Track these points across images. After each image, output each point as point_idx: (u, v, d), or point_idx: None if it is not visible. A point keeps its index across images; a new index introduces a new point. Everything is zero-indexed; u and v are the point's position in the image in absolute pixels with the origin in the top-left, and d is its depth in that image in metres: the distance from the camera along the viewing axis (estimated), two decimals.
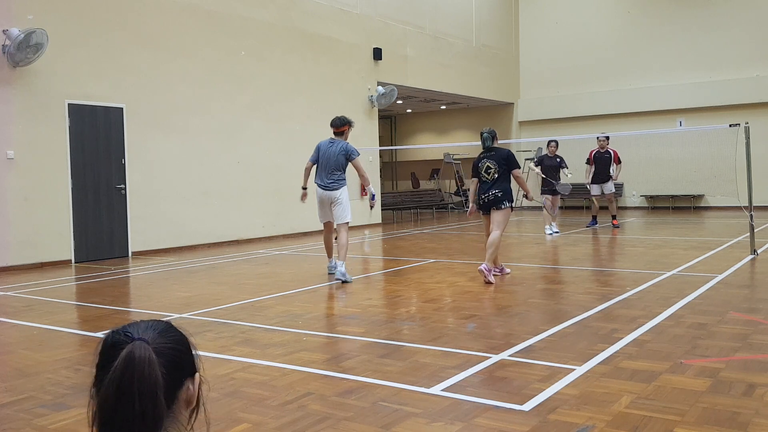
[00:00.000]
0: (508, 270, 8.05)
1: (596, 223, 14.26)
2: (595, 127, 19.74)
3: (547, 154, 13.44)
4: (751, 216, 8.98)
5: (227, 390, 3.84)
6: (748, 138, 8.91)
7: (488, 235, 7.69)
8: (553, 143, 13.40)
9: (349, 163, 7.89)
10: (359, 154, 7.97)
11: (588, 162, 13.95)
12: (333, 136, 8.13)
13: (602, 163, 13.75)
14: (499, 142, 8.20)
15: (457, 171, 22.19)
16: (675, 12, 19.16)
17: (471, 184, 8.00)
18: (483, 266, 7.35)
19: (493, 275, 7.49)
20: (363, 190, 16.29)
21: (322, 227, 8.42)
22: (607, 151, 13.79)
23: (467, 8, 19.76)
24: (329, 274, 8.24)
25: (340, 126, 8.01)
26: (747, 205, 9.09)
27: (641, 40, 19.71)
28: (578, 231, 13.69)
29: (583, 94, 20.60)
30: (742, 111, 17.40)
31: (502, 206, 7.56)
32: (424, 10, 17.99)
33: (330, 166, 7.84)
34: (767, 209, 16.33)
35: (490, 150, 7.77)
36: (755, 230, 9.15)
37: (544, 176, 13.16)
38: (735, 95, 18.15)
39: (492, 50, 20.90)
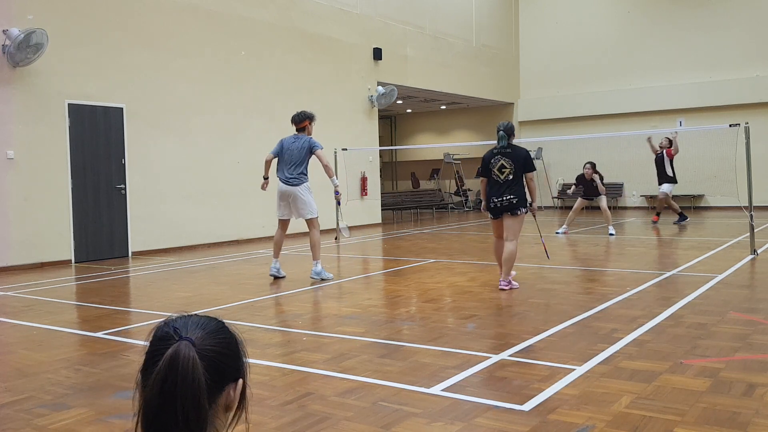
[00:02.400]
0: (516, 284, 7.13)
1: (686, 218, 14.70)
2: (595, 127, 19.75)
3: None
4: (751, 216, 8.98)
5: None
6: (748, 138, 8.91)
7: (499, 237, 7.12)
8: (588, 166, 13.20)
9: (314, 157, 8.08)
10: (322, 147, 8.02)
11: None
12: (296, 132, 8.18)
13: (659, 164, 14.52)
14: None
15: (457, 171, 22.19)
16: (675, 12, 19.16)
17: (480, 183, 7.23)
18: (503, 284, 6.88)
19: (504, 287, 6.91)
20: (363, 189, 16.31)
21: (283, 225, 8.46)
22: (661, 152, 14.39)
23: (467, 8, 19.76)
24: (271, 275, 8.14)
25: (301, 122, 8.09)
26: (747, 205, 9.09)
27: (641, 40, 19.71)
28: (578, 231, 13.69)
29: (583, 94, 20.60)
30: (742, 111, 17.40)
31: (518, 212, 6.87)
32: (424, 10, 17.99)
33: (293, 161, 7.88)
34: (767, 209, 16.33)
35: (506, 147, 6.95)
36: (755, 230, 9.15)
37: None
38: (735, 95, 18.15)
39: (492, 50, 20.90)
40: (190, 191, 12.12)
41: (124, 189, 11.01)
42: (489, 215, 7.17)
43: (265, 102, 13.53)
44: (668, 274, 7.66)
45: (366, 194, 16.38)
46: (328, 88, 15.02)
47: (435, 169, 23.30)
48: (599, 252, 10.57)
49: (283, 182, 7.94)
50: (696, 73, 18.94)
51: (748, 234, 9.20)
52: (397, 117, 24.85)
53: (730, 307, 5.76)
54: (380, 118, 18.25)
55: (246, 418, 1.32)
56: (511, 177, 6.85)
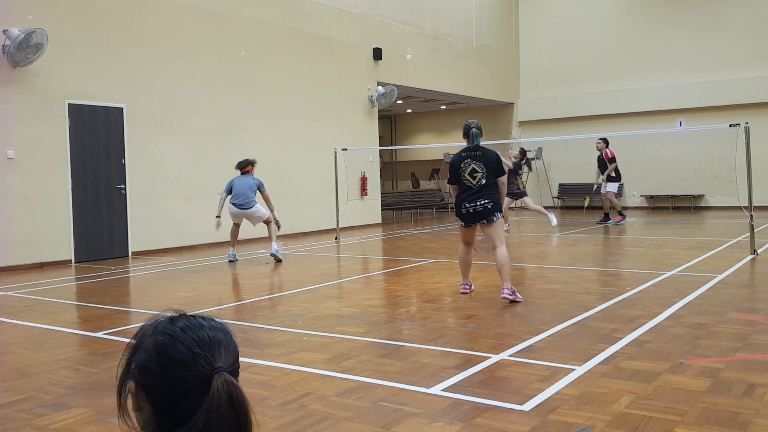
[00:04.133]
0: (520, 297, 6.44)
1: (610, 220, 14.96)
2: (595, 127, 19.75)
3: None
4: (751, 216, 8.98)
5: None
6: (748, 138, 8.91)
7: (467, 244, 6.78)
8: (519, 149, 13.98)
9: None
10: (265, 188, 10.02)
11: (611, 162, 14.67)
12: (241, 174, 10.02)
13: (602, 164, 14.67)
14: (499, 142, 8.01)
15: None
16: (675, 12, 19.16)
17: (451, 190, 6.74)
18: (506, 292, 6.25)
19: (507, 296, 6.29)
20: (363, 189, 16.31)
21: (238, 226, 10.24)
22: (602, 153, 14.57)
23: (467, 8, 19.76)
24: (230, 261, 9.98)
25: (245, 167, 10.03)
26: (747, 205, 9.09)
27: (641, 40, 19.71)
28: (577, 231, 13.69)
29: (583, 94, 20.60)
30: (742, 111, 17.41)
31: (494, 218, 6.45)
32: (424, 10, 17.99)
33: (245, 194, 9.81)
34: (767, 209, 16.33)
35: (476, 150, 6.53)
36: (755, 230, 9.15)
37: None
38: (735, 95, 18.15)
39: (492, 50, 20.90)
40: (190, 191, 12.12)
41: (124, 189, 11.01)
42: (460, 223, 6.65)
43: (265, 102, 13.53)
44: (668, 274, 7.66)
45: (366, 194, 16.38)
46: (328, 88, 15.02)
47: (435, 169, 23.30)
48: (599, 252, 10.57)
49: (237, 206, 9.84)
50: (696, 73, 18.94)
51: (748, 234, 9.20)
52: (397, 117, 24.85)
53: (730, 307, 5.76)
54: (380, 118, 18.25)
55: None
56: (483, 182, 6.44)
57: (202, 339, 1.20)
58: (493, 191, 6.48)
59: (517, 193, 13.49)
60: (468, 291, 6.85)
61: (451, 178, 6.65)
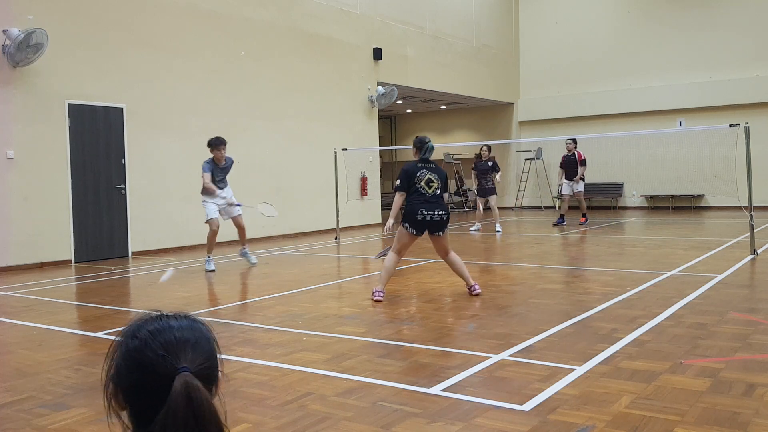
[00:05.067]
0: (478, 289, 6.74)
1: (564, 221, 14.99)
2: (595, 127, 19.75)
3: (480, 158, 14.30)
4: (751, 216, 8.98)
5: (227, 390, 3.84)
6: (748, 138, 8.91)
7: (400, 254, 6.68)
8: (485, 148, 14.16)
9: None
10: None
11: (560, 166, 15.03)
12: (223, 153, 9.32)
13: (570, 165, 14.76)
14: (500, 142, 8.01)
15: (457, 171, 22.20)
16: (675, 12, 19.16)
17: (397, 197, 6.61)
18: (477, 289, 6.63)
19: (479, 290, 6.66)
20: (363, 189, 16.30)
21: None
22: (573, 153, 14.68)
23: (467, 8, 19.76)
24: (210, 270, 9.17)
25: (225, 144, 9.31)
26: (747, 205, 9.09)
27: (641, 40, 19.71)
28: (577, 231, 13.69)
29: (583, 94, 20.60)
30: (742, 111, 17.41)
31: (447, 229, 6.61)
32: (424, 10, 17.99)
33: (224, 176, 9.44)
34: (767, 209, 16.33)
35: (429, 162, 6.68)
36: (755, 230, 9.15)
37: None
38: (735, 95, 18.15)
39: (492, 50, 20.90)
40: (190, 191, 12.08)
41: (124, 189, 11.01)
42: (408, 230, 6.51)
43: (265, 102, 13.53)
44: (668, 274, 7.65)
45: (366, 194, 16.38)
46: (328, 88, 15.02)
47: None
48: (599, 252, 10.57)
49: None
50: (696, 73, 18.94)
51: (748, 234, 9.20)
52: (397, 117, 24.85)
53: (730, 307, 5.76)
54: (380, 118, 18.25)
55: (221, 403, 1.31)
56: (438, 191, 6.57)
57: (168, 341, 1.23)
58: (444, 202, 6.67)
59: (487, 190, 13.85)
60: (382, 298, 6.60)
61: (403, 184, 6.55)
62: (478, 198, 14.48)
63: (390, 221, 6.84)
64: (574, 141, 14.73)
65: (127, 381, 1.22)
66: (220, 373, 1.30)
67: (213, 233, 9.24)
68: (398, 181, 6.62)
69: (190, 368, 1.20)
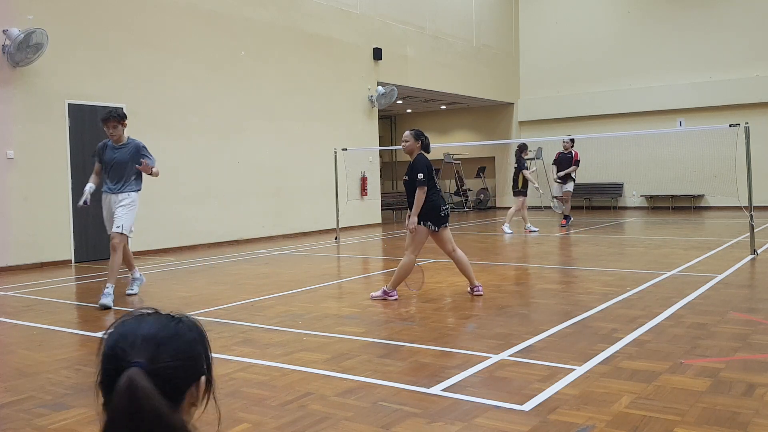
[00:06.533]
0: (481, 290, 6.70)
1: (570, 219, 14.90)
2: (596, 127, 19.76)
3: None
4: (751, 216, 8.98)
5: (227, 390, 3.84)
6: (748, 138, 8.91)
7: (415, 254, 6.58)
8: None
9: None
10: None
11: (553, 162, 14.85)
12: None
13: (564, 163, 14.54)
14: (500, 142, 8.02)
15: (457, 171, 22.19)
16: (675, 12, 19.16)
17: (421, 193, 6.35)
18: (480, 289, 6.65)
19: (481, 292, 6.65)
20: (363, 189, 16.30)
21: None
22: (570, 152, 14.46)
23: (467, 8, 19.77)
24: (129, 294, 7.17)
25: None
26: (747, 205, 9.09)
27: (641, 41, 19.71)
28: (577, 231, 13.69)
29: (583, 94, 20.60)
30: (742, 111, 17.41)
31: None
32: (424, 10, 17.99)
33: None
34: (767, 209, 16.33)
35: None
36: (755, 230, 9.15)
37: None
38: (735, 95, 18.16)
39: (492, 50, 20.90)
40: (190, 191, 12.12)
41: None
42: (430, 228, 6.42)
43: (265, 102, 13.53)
44: (668, 274, 7.65)
45: (366, 194, 16.38)
46: (328, 88, 15.02)
47: (435, 168, 23.27)
48: (599, 252, 10.56)
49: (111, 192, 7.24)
50: (696, 73, 18.94)
51: (748, 234, 9.20)
52: (397, 117, 24.84)
53: (730, 307, 5.76)
54: (380, 118, 18.25)
55: (217, 407, 1.29)
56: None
57: (125, 334, 1.21)
58: None
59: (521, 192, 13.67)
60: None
61: (426, 178, 6.37)
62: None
63: (414, 219, 6.38)
64: (572, 141, 14.66)
65: (98, 373, 1.23)
66: (204, 378, 1.25)
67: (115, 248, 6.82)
68: (420, 175, 6.33)
69: (145, 365, 1.17)
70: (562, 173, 14.45)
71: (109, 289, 6.64)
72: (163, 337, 1.22)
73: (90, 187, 7.05)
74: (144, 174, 6.91)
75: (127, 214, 6.87)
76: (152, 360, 1.19)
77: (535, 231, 13.52)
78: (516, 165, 13.84)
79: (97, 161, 7.09)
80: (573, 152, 14.47)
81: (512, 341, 4.79)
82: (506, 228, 13.57)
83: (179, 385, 1.21)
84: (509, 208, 14.99)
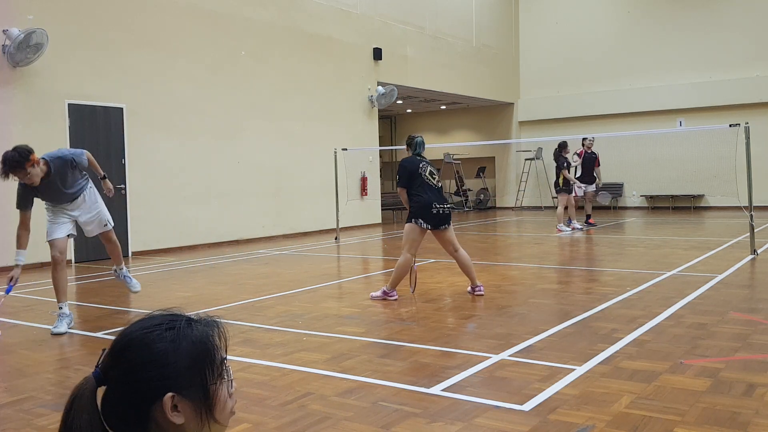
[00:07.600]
0: (482, 291, 6.71)
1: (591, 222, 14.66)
2: (595, 127, 19.75)
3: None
4: (751, 216, 8.98)
5: None
6: (748, 138, 8.91)
7: (412, 253, 6.58)
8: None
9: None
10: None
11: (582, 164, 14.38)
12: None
13: (590, 163, 14.23)
14: (500, 142, 8.03)
15: (457, 171, 22.19)
16: (675, 12, 19.16)
17: (402, 193, 6.59)
18: (481, 289, 6.64)
19: (482, 292, 6.66)
20: (363, 189, 16.30)
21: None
22: (593, 152, 14.21)
23: (467, 8, 19.77)
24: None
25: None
26: (747, 205, 9.09)
27: (641, 41, 19.71)
28: (577, 231, 13.68)
29: (583, 94, 20.60)
30: (742, 111, 17.41)
31: (451, 221, 6.61)
32: (424, 10, 17.99)
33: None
34: (767, 209, 16.33)
35: (423, 157, 6.75)
36: (755, 230, 9.15)
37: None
38: (735, 95, 18.16)
39: (492, 50, 20.90)
40: (190, 191, 12.12)
41: (124, 189, 11.01)
42: (422, 226, 6.44)
43: (265, 102, 13.53)
44: (668, 274, 7.65)
45: (366, 194, 16.38)
46: (328, 88, 15.02)
47: (436, 168, 23.27)
48: (599, 252, 10.57)
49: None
50: (696, 73, 18.94)
51: (748, 234, 9.20)
52: (397, 117, 24.84)
53: (730, 307, 5.76)
54: (380, 118, 18.25)
55: (219, 417, 1.19)
56: (440, 184, 6.65)
57: (122, 332, 1.17)
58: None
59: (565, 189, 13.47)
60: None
61: (403, 180, 6.48)
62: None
63: (414, 219, 6.50)
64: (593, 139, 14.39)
65: None
66: (169, 395, 1.11)
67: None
68: (398, 177, 6.60)
69: (98, 373, 1.12)
70: (597, 178, 14.23)
71: (125, 270, 6.54)
72: (124, 345, 1.13)
73: (20, 260, 5.69)
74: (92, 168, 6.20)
75: (101, 208, 6.16)
76: (109, 369, 1.12)
77: (578, 228, 13.47)
78: (557, 163, 13.59)
79: (26, 210, 5.78)
80: (595, 153, 14.23)
81: (512, 341, 4.79)
82: (561, 227, 13.34)
83: (132, 397, 1.11)
84: (509, 208, 14.96)
